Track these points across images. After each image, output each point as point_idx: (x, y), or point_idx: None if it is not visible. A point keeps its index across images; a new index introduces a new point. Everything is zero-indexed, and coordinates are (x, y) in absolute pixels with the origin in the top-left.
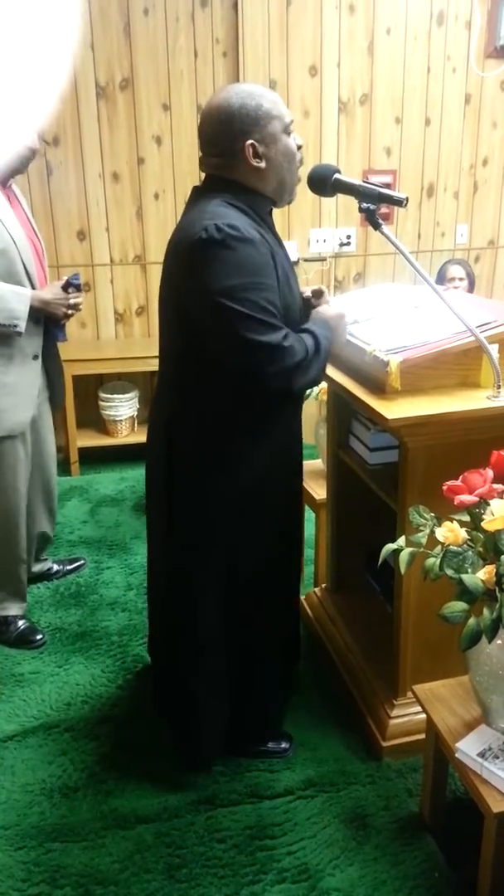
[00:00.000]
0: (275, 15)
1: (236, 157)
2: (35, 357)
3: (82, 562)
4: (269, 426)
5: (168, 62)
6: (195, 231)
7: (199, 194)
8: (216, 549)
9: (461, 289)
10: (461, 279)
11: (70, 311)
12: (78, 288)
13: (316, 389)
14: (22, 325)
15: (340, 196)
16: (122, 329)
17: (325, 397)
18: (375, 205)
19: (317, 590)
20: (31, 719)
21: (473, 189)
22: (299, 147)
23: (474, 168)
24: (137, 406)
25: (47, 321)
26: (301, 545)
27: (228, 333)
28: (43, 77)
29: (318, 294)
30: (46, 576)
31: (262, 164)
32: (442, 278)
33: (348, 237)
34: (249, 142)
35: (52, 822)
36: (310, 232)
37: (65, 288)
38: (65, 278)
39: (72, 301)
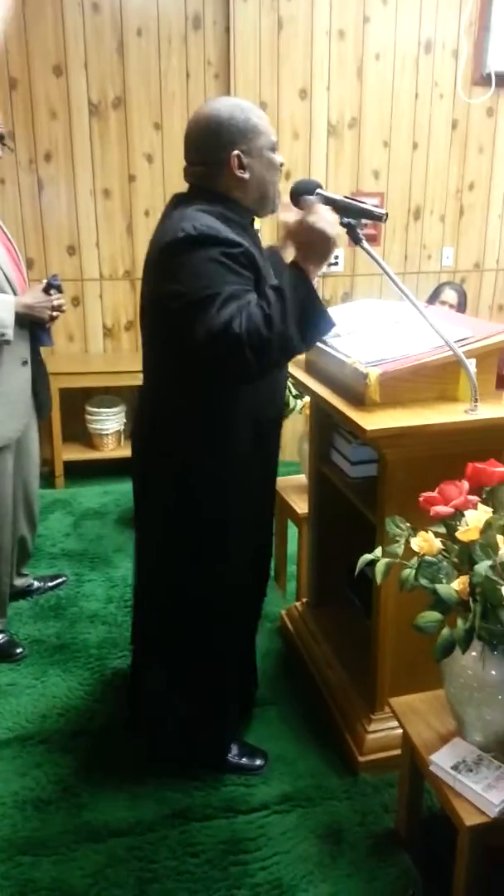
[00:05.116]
0: (266, 39)
1: (221, 166)
2: (24, 363)
3: (63, 578)
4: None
5: (160, 82)
6: (174, 232)
7: (179, 201)
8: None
9: None
10: (451, 305)
11: (55, 313)
12: (59, 289)
13: (300, 404)
14: (10, 334)
15: None
16: (110, 343)
17: (308, 412)
18: (356, 220)
19: (297, 604)
20: (6, 731)
21: (459, 213)
22: (281, 165)
23: (460, 192)
24: (124, 420)
25: (33, 325)
26: (269, 561)
27: (191, 321)
28: None
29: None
30: (27, 592)
31: (246, 175)
32: (434, 299)
33: (336, 257)
34: (235, 152)
35: (23, 835)
36: None
37: (46, 290)
38: (45, 281)
39: (55, 302)
